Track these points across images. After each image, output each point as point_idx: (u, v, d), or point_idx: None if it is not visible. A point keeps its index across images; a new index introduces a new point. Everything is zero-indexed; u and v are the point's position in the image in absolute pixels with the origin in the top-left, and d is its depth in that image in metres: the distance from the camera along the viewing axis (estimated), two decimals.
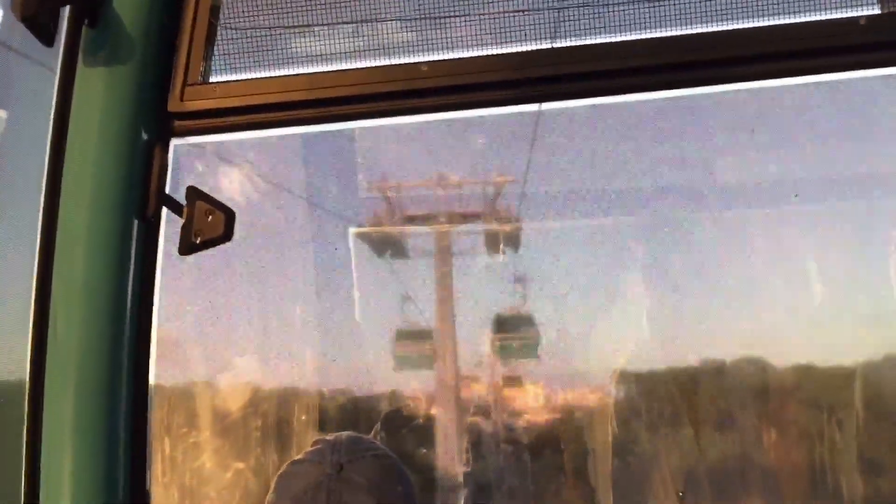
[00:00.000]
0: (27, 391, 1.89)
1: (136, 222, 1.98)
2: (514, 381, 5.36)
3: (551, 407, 5.28)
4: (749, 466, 4.76)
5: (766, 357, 4.66)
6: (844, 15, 1.93)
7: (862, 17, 1.90)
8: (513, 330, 5.12)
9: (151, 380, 1.99)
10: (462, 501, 5.08)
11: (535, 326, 5.06)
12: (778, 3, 2.00)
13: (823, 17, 1.95)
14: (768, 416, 4.80)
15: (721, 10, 2.02)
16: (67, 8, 1.91)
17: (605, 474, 4.83)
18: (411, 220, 5.28)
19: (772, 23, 1.96)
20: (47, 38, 1.84)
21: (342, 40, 2.08)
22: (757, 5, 2.00)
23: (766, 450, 4.78)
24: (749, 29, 1.96)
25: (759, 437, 4.77)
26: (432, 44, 2.06)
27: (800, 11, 1.98)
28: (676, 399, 4.77)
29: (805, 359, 4.62)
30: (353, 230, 5.11)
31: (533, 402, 5.37)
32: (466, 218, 5.20)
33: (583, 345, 4.79)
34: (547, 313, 4.89)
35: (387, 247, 5.28)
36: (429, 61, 2.00)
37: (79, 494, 1.87)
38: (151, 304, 2.01)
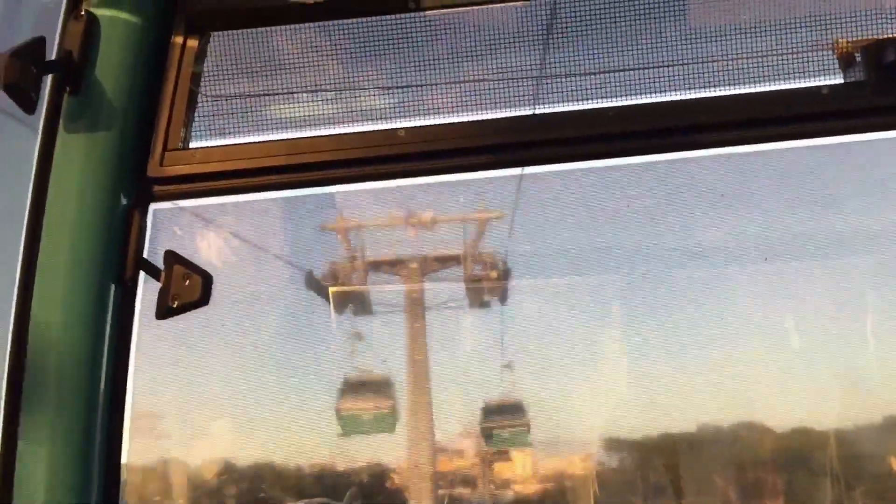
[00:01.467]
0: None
1: (112, 286, 1.98)
2: (498, 453, 5.25)
3: (537, 475, 5.20)
4: None
5: (747, 415, 4.67)
6: (808, 84, 2.01)
7: (824, 86, 1.97)
8: (503, 416, 4.99)
9: (125, 445, 1.96)
10: None
11: (525, 412, 4.93)
12: (745, 73, 2.07)
13: (789, 87, 2.02)
14: (745, 472, 4.78)
15: (693, 79, 2.09)
16: (50, 76, 1.94)
17: None
18: (390, 274, 5.25)
19: (740, 91, 2.03)
20: (29, 106, 1.86)
21: (320, 107, 2.12)
22: (726, 75, 2.08)
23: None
24: (719, 97, 2.03)
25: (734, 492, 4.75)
26: (410, 110, 2.11)
27: (766, 81, 2.05)
28: (661, 462, 4.75)
29: (787, 418, 4.63)
30: (332, 289, 5.08)
31: (519, 471, 5.29)
32: (444, 269, 5.16)
33: (568, 412, 4.75)
34: (532, 381, 4.83)
35: (367, 305, 5.24)
36: (406, 127, 2.04)
37: None
38: (127, 367, 2.00)
